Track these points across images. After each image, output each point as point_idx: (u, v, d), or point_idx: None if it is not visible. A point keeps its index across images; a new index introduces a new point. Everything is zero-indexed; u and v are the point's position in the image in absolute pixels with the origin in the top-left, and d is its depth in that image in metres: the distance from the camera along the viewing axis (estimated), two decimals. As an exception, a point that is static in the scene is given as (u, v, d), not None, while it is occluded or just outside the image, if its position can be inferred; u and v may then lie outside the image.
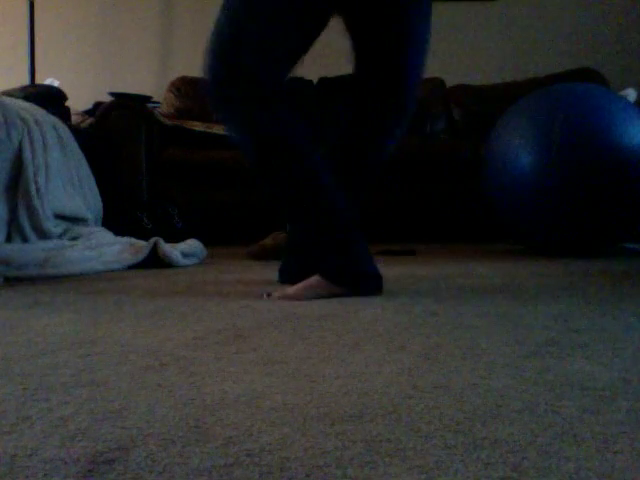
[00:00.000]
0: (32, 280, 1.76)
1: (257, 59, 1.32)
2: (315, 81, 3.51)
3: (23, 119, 2.22)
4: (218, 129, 3.25)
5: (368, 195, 1.64)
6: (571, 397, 0.68)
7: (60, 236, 2.22)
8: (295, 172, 1.40)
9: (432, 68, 3.88)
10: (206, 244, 2.33)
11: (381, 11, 1.43)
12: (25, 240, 2.09)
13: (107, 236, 2.34)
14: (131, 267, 2.03)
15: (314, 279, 1.40)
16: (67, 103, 3.23)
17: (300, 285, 1.40)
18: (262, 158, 1.39)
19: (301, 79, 3.34)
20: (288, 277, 1.56)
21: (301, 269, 1.49)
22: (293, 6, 1.35)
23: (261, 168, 1.41)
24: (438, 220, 3.14)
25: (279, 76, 1.37)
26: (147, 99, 3.38)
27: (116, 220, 2.64)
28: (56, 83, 3.38)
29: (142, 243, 2.15)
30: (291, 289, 1.40)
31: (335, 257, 1.41)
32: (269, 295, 1.38)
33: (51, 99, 3.02)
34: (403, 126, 1.56)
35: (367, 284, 1.41)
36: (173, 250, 2.10)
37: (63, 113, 3.02)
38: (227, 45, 1.33)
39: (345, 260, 1.40)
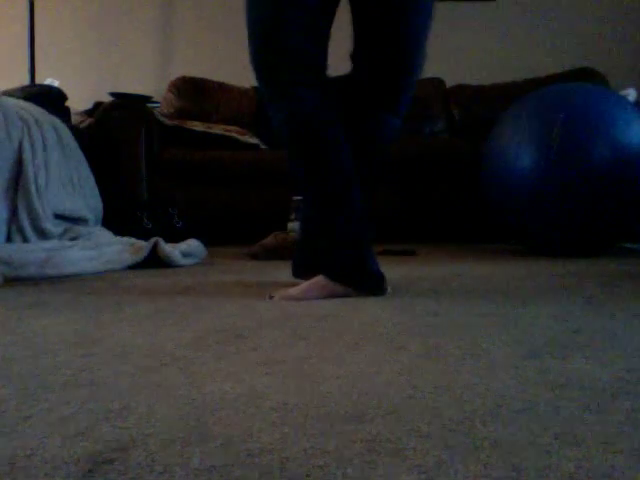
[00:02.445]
0: (32, 280, 1.76)
1: (300, 41, 1.38)
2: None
3: (23, 119, 2.22)
4: (218, 129, 3.26)
5: (376, 188, 1.61)
6: (571, 397, 0.68)
7: (60, 236, 2.22)
8: (321, 160, 1.40)
9: (432, 68, 3.87)
10: (206, 244, 2.33)
11: None
12: (25, 240, 2.09)
13: (107, 236, 2.34)
14: (131, 267, 2.03)
15: (317, 279, 1.40)
16: (67, 103, 3.23)
17: (303, 285, 1.40)
18: (295, 139, 1.41)
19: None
20: (303, 271, 1.55)
21: (314, 263, 1.48)
22: None
23: (292, 149, 1.43)
24: (438, 220, 3.14)
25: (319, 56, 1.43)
26: (147, 99, 3.38)
27: (116, 220, 2.64)
28: (56, 83, 3.37)
29: (142, 243, 2.15)
30: (294, 289, 1.40)
31: (340, 255, 1.40)
32: (272, 297, 1.38)
33: (51, 99, 3.02)
34: (407, 101, 1.51)
35: (370, 284, 1.40)
36: (173, 250, 2.10)
37: (63, 113, 3.02)
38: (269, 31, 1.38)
39: (350, 258, 1.40)
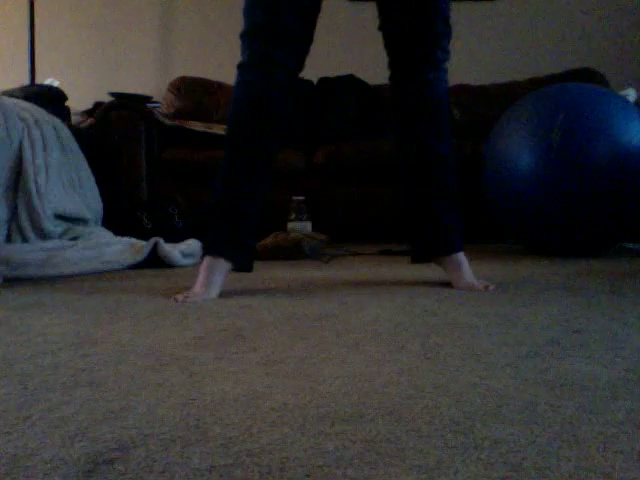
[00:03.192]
0: (32, 280, 1.76)
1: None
2: (315, 81, 3.51)
3: (23, 119, 2.22)
4: (218, 129, 3.26)
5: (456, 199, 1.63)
6: (571, 397, 0.68)
7: (60, 236, 2.22)
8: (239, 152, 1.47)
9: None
10: (206, 244, 2.32)
11: None
12: (25, 240, 2.09)
13: (107, 236, 2.34)
14: (131, 267, 2.03)
15: (203, 263, 1.46)
16: (67, 103, 3.23)
17: (199, 278, 1.44)
18: (246, 124, 1.47)
19: (301, 79, 3.34)
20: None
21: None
22: None
23: (237, 132, 1.48)
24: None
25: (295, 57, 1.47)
26: (147, 99, 3.38)
27: (116, 220, 2.64)
28: (56, 83, 3.37)
29: (142, 243, 2.15)
30: (195, 287, 1.43)
31: (214, 227, 1.48)
32: (176, 300, 1.38)
33: (51, 99, 3.02)
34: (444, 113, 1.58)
35: (238, 256, 1.47)
36: (173, 250, 2.10)
37: (63, 113, 3.02)
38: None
39: (222, 231, 1.47)
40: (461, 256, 1.58)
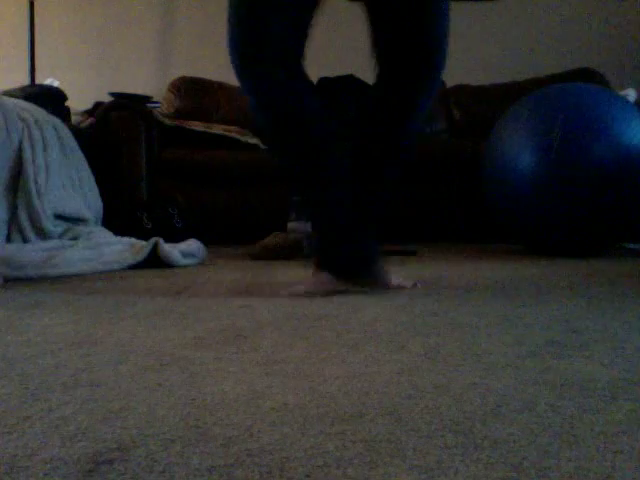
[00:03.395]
0: (32, 280, 1.76)
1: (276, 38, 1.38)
2: (315, 81, 3.51)
3: (23, 119, 2.22)
4: (218, 129, 3.26)
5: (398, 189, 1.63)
6: (571, 397, 0.68)
7: (60, 236, 2.22)
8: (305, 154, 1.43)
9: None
10: (206, 244, 2.33)
11: None
12: (25, 240, 2.09)
13: (107, 236, 2.34)
14: (131, 267, 2.03)
15: (323, 276, 1.44)
16: (67, 103, 3.23)
17: (310, 281, 1.44)
18: (278, 133, 1.43)
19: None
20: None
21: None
22: None
23: (277, 144, 1.46)
24: (438, 220, 3.14)
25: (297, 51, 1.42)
26: (147, 99, 3.39)
27: (116, 220, 2.64)
28: (56, 83, 3.37)
29: (142, 243, 2.15)
30: (302, 286, 1.43)
31: (337, 250, 1.45)
32: (281, 294, 1.40)
33: (51, 99, 3.03)
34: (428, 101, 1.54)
35: (366, 274, 1.45)
36: (173, 250, 2.10)
37: (63, 113, 3.02)
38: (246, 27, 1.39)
39: (347, 254, 1.44)
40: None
